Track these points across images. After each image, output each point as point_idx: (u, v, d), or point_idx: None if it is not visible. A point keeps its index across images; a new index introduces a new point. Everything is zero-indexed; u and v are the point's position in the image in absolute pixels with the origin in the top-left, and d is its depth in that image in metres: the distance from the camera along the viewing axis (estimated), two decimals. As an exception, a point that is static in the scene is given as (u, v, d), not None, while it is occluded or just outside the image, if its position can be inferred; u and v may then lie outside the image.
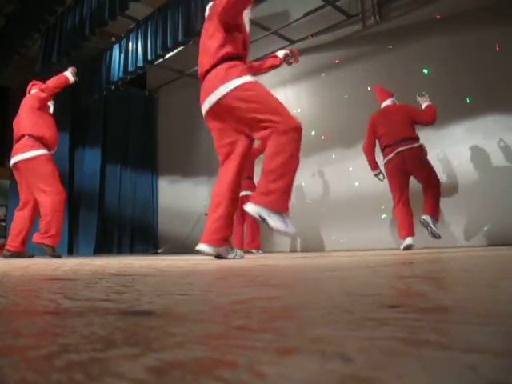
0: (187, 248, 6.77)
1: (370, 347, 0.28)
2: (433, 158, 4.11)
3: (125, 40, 5.71)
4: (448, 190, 4.37)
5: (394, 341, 0.29)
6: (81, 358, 0.27)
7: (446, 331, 0.32)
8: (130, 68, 5.56)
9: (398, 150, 3.91)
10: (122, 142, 7.14)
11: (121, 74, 5.73)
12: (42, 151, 4.15)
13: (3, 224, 7.45)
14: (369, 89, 4.66)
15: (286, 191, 2.31)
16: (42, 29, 5.44)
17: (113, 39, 5.96)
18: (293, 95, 5.74)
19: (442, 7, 4.54)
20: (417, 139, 3.97)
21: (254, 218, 5.29)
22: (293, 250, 5.61)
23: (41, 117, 4.25)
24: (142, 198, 7.29)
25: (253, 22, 5.63)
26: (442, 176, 4.41)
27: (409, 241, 3.75)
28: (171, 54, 5.53)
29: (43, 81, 4.50)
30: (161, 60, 5.69)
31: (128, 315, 0.44)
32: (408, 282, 0.77)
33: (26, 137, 4.14)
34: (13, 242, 4.16)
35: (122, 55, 5.70)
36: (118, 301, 0.56)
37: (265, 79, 6.09)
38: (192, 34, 4.70)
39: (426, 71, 4.57)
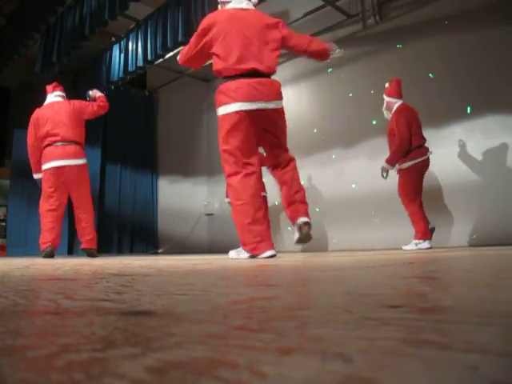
0: (187, 248, 6.78)
1: (370, 347, 0.28)
2: (433, 157, 4.11)
3: (125, 40, 5.70)
4: (448, 191, 4.37)
5: (394, 341, 0.29)
6: (81, 357, 0.27)
7: (446, 331, 0.32)
8: (130, 68, 5.55)
9: (430, 152, 3.94)
10: (121, 142, 7.13)
11: (121, 73, 5.73)
12: (86, 161, 4.28)
13: (3, 224, 7.46)
14: (372, 92, 4.66)
15: None
16: (42, 29, 5.44)
17: (113, 39, 5.96)
18: (293, 95, 5.74)
19: (442, 7, 4.54)
20: None
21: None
22: (293, 250, 5.60)
23: (84, 127, 4.37)
24: (141, 198, 7.28)
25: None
26: (442, 176, 4.41)
27: (429, 244, 3.81)
28: (171, 54, 5.52)
29: (60, 83, 4.58)
30: (161, 60, 5.69)
31: (128, 315, 0.44)
32: (408, 282, 0.77)
33: (74, 144, 4.17)
34: (58, 241, 4.21)
35: (122, 55, 5.70)
36: (117, 301, 0.56)
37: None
38: (192, 34, 4.69)
39: (431, 75, 4.56)
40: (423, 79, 4.54)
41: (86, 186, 4.25)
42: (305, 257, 2.78)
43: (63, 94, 4.47)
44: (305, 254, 4.04)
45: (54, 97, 4.39)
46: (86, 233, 4.25)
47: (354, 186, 5.00)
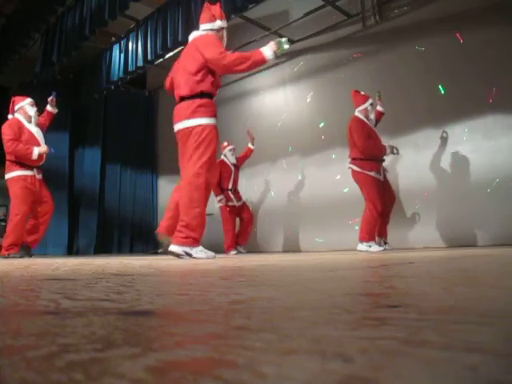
0: (187, 248, 6.77)
1: (370, 347, 0.28)
2: (433, 157, 4.10)
3: (125, 40, 5.70)
4: (448, 190, 4.37)
5: (394, 341, 0.29)
6: (81, 357, 0.27)
7: (446, 331, 0.32)
8: (130, 68, 5.56)
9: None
10: (121, 142, 7.14)
11: (121, 73, 5.73)
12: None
13: (3, 224, 7.46)
14: (372, 91, 4.66)
15: None
16: (42, 29, 5.44)
17: (113, 39, 5.96)
18: (293, 95, 5.73)
19: (442, 7, 4.54)
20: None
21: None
22: (286, 251, 5.60)
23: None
24: (141, 197, 7.29)
25: (253, 22, 5.63)
26: (442, 176, 4.41)
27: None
28: (171, 53, 5.53)
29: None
30: (161, 60, 5.69)
31: (128, 315, 0.44)
32: (408, 281, 0.77)
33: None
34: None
35: (122, 55, 5.70)
36: (118, 301, 0.56)
37: (264, 79, 6.10)
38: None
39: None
40: (423, 79, 4.54)
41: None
42: (304, 257, 2.78)
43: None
44: (305, 254, 4.04)
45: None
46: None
47: (354, 185, 5.00)
